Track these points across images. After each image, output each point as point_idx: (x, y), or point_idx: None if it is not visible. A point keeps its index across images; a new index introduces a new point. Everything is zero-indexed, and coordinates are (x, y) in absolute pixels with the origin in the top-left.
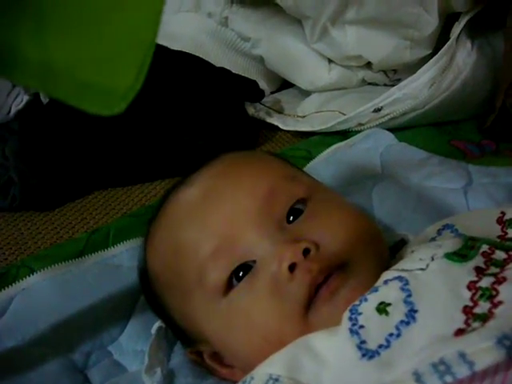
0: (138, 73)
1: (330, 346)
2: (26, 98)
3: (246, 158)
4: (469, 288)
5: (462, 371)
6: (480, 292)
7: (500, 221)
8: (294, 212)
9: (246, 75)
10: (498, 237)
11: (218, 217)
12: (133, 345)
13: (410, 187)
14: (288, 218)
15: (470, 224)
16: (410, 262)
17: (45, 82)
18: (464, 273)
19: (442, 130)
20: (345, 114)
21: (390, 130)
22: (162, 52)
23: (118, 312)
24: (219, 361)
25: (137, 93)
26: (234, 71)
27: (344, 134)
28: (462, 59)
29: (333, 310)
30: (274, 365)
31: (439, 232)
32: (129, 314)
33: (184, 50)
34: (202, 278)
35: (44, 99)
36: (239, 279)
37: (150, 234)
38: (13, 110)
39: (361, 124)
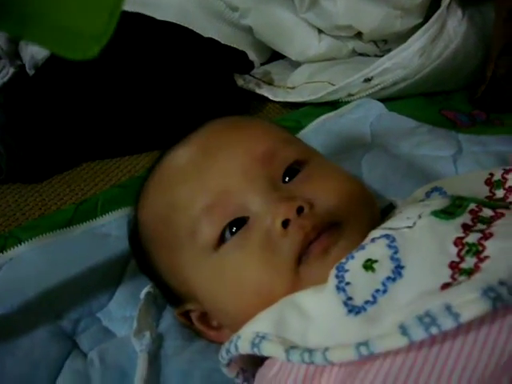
0: (111, 16)
1: (316, 303)
2: (11, 70)
3: (244, 120)
4: (455, 244)
5: (448, 323)
6: (467, 248)
7: (488, 182)
8: (290, 172)
9: (235, 46)
10: (487, 197)
11: (214, 173)
12: (121, 311)
13: (400, 155)
14: (284, 178)
15: (459, 186)
16: (397, 221)
17: (20, 26)
18: (451, 229)
19: (433, 100)
20: (334, 85)
21: (381, 100)
22: (147, 22)
23: (106, 279)
24: (207, 323)
25: (110, 37)
26: (222, 42)
27: (333, 105)
28: (453, 28)
29: (323, 266)
30: (260, 323)
31: (427, 194)
32: (117, 281)
33: (170, 21)
34: (195, 231)
35: (30, 71)
36: (231, 234)
37: (143, 191)
38: None
39: (351, 94)
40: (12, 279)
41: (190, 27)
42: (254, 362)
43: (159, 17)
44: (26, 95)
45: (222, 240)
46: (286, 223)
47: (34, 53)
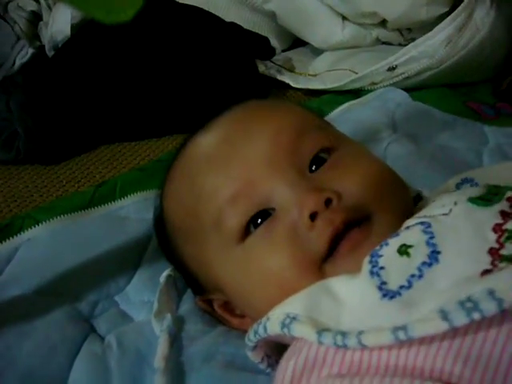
0: None
1: (349, 288)
2: (30, 50)
3: (270, 104)
4: (494, 230)
5: (491, 308)
6: (506, 234)
7: None
8: (318, 161)
9: (257, 32)
10: None
11: (240, 161)
12: (139, 295)
13: (425, 146)
14: (311, 166)
15: (491, 177)
16: (432, 209)
17: None
18: (489, 216)
19: (457, 92)
20: (357, 73)
21: (404, 90)
22: (169, 5)
23: (124, 263)
24: (230, 311)
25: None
26: (244, 27)
27: (356, 93)
28: (480, 18)
29: (352, 264)
30: (291, 304)
31: (458, 186)
32: (136, 265)
33: (192, 4)
34: (220, 222)
35: (49, 52)
36: (257, 226)
37: (167, 178)
38: (17, 63)
39: (374, 83)
40: (29, 260)
41: (213, 11)
42: (278, 349)
43: (182, 0)
44: (45, 76)
45: (247, 232)
46: (313, 216)
47: (53, 34)
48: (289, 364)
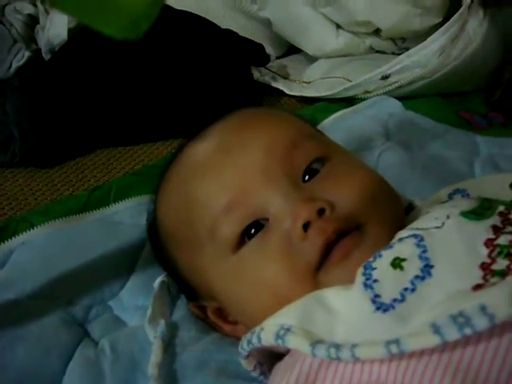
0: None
1: (343, 300)
2: (26, 54)
3: (265, 113)
4: (486, 245)
5: (482, 323)
6: (498, 249)
7: None
8: (311, 171)
9: (252, 38)
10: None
11: (234, 171)
12: (133, 300)
13: (417, 155)
14: (304, 176)
15: (483, 189)
16: (425, 221)
17: (69, 5)
18: (481, 230)
19: (450, 101)
20: (351, 81)
21: (397, 98)
22: (165, 11)
23: (118, 268)
24: (222, 317)
25: (156, 17)
26: (240, 34)
27: (349, 102)
28: (473, 29)
29: (344, 272)
30: (285, 315)
31: (450, 196)
32: (130, 270)
33: (188, 10)
34: (214, 231)
35: (46, 56)
36: (251, 236)
37: (161, 185)
38: (13, 66)
39: (367, 91)
40: (23, 263)
41: (208, 17)
42: (271, 357)
43: (178, 6)
44: (41, 79)
45: (241, 241)
46: (306, 226)
47: (50, 37)
48: (282, 382)
